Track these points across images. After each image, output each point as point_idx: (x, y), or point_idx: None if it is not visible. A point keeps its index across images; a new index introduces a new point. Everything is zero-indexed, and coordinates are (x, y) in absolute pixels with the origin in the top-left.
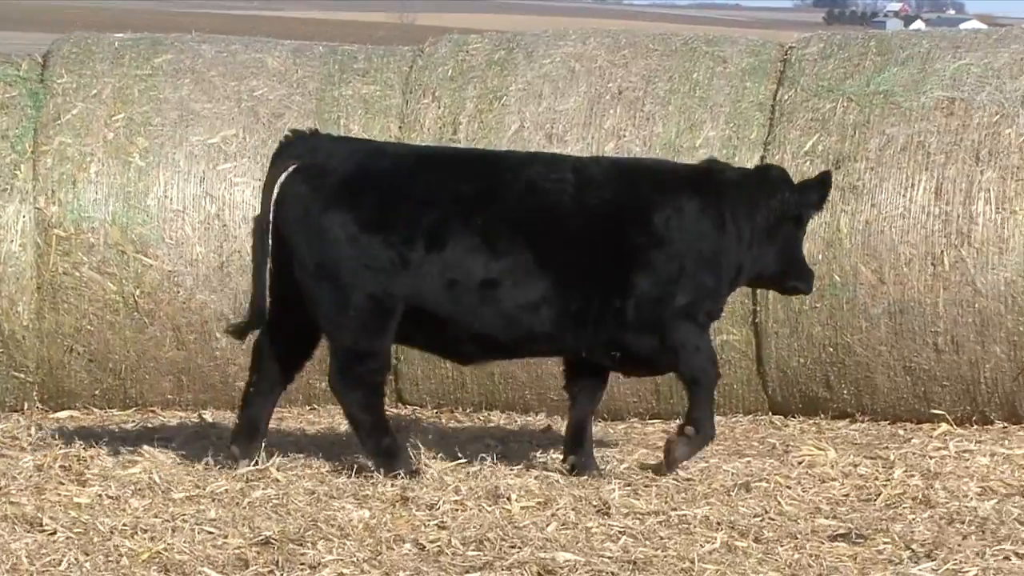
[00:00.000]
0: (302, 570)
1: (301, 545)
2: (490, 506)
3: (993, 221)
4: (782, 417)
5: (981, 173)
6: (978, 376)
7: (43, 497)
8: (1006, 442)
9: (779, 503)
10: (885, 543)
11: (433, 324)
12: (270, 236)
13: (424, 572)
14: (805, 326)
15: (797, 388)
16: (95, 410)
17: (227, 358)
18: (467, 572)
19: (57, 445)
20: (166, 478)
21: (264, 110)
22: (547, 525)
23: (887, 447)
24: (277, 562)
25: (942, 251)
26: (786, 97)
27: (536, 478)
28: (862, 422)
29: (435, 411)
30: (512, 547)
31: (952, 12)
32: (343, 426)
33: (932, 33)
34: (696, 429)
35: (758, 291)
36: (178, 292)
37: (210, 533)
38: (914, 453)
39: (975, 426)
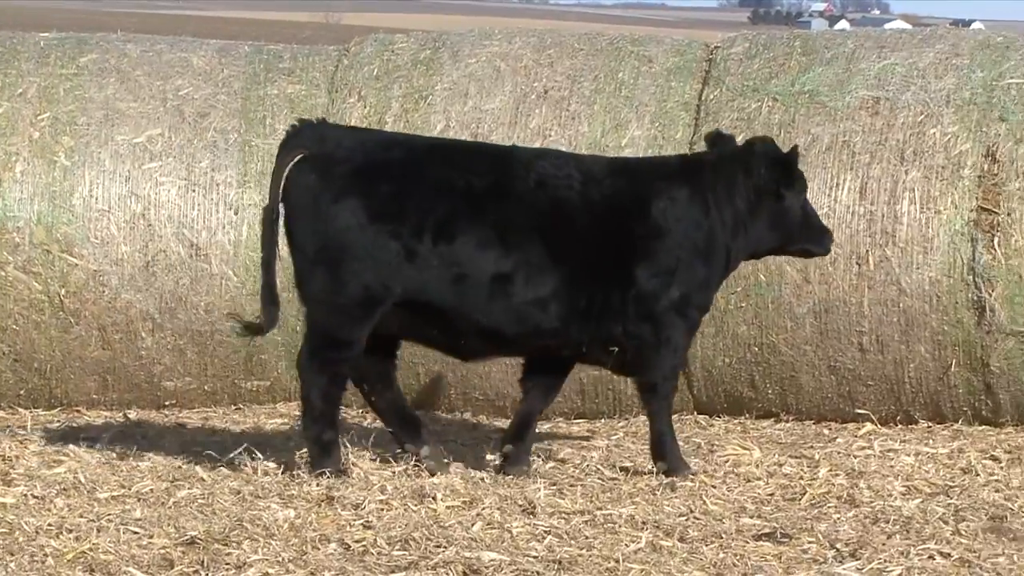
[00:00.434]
0: (227, 570)
1: (226, 545)
2: (415, 506)
3: (918, 221)
4: (707, 416)
5: (906, 173)
6: (902, 375)
7: None
8: (930, 441)
9: (704, 502)
10: (810, 542)
11: (438, 319)
12: (279, 227)
13: (349, 572)
14: (730, 325)
15: (722, 387)
16: (20, 410)
17: (152, 358)
18: (392, 572)
19: None
20: (91, 478)
21: (189, 109)
22: (472, 525)
23: (812, 446)
24: (202, 562)
25: (867, 251)
26: (711, 97)
27: (462, 478)
28: (787, 421)
29: (360, 410)
30: (437, 547)
31: (877, 12)
32: (268, 426)
33: (857, 33)
34: (666, 464)
35: None
36: (103, 291)
37: (135, 533)
38: (839, 452)
39: (899, 425)
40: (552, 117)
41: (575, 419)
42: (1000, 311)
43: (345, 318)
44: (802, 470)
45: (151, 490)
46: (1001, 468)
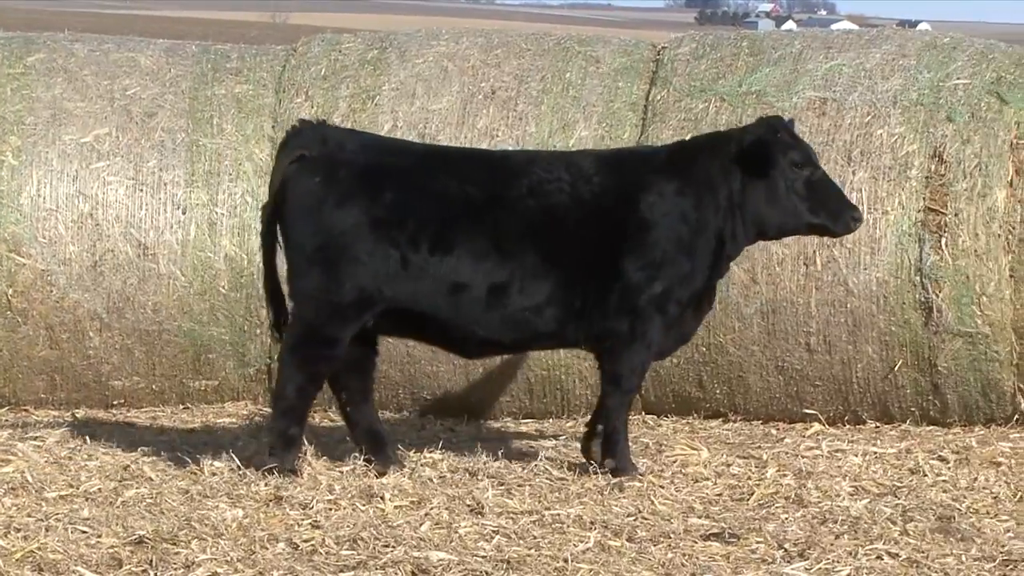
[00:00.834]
0: (176, 569)
1: (175, 544)
2: (364, 505)
3: (865, 221)
4: (655, 417)
5: (853, 173)
6: (850, 376)
7: None
8: (878, 442)
9: (652, 502)
10: (758, 542)
11: (433, 326)
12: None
13: (298, 571)
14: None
15: (670, 388)
16: None
17: (100, 357)
18: (341, 571)
19: None
20: (39, 477)
21: (137, 109)
22: (421, 524)
23: (760, 447)
24: (151, 561)
25: (814, 251)
26: (659, 97)
27: (410, 477)
28: (735, 422)
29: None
30: (386, 546)
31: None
32: (217, 425)
33: (804, 34)
34: (615, 462)
35: None
36: (51, 291)
37: (84, 532)
38: (787, 453)
39: (847, 426)
40: (500, 117)
41: (523, 419)
42: (947, 312)
43: (335, 317)
44: (750, 470)
45: (99, 489)
46: (949, 468)
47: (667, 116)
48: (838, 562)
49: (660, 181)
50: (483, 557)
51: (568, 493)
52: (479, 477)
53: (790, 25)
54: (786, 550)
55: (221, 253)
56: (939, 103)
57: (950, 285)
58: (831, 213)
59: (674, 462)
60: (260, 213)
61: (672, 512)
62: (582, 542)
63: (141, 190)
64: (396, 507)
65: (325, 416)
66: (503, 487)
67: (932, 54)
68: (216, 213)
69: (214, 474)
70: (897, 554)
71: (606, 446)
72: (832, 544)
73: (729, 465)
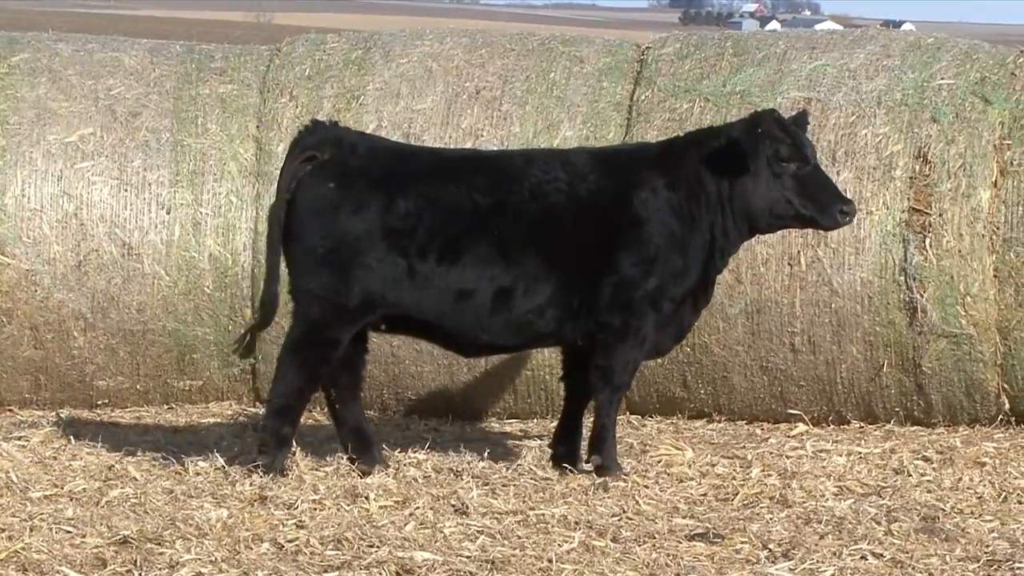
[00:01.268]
0: (160, 569)
1: (159, 544)
2: (348, 505)
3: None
4: (639, 417)
5: (837, 173)
6: (834, 376)
7: None
8: (862, 442)
9: (637, 503)
10: (742, 542)
11: (438, 332)
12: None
13: (282, 571)
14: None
15: (654, 388)
16: None
17: (85, 357)
18: (325, 571)
19: None
20: (24, 477)
21: (121, 109)
22: (405, 524)
23: (744, 447)
24: (135, 561)
25: (799, 251)
26: (643, 97)
27: (394, 477)
28: (719, 422)
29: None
30: (370, 546)
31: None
32: (201, 425)
33: (788, 34)
34: (600, 459)
35: None
36: (36, 291)
37: (68, 532)
38: (771, 453)
39: (832, 426)
40: (484, 117)
41: (508, 419)
42: (932, 312)
43: (340, 318)
44: (735, 470)
45: (84, 489)
46: (933, 469)
47: (651, 116)
48: (822, 562)
49: (652, 177)
50: (468, 557)
51: (553, 493)
52: (464, 477)
53: (774, 25)
54: (770, 550)
55: (206, 253)
56: (923, 103)
57: (934, 285)
58: (820, 206)
59: (659, 462)
60: (269, 214)
61: (657, 512)
62: (567, 542)
63: (126, 190)
64: (381, 507)
65: (309, 416)
66: (488, 487)
67: (916, 54)
68: (201, 213)
69: (199, 474)
70: (881, 554)
71: (593, 442)
72: (816, 544)
73: (714, 465)
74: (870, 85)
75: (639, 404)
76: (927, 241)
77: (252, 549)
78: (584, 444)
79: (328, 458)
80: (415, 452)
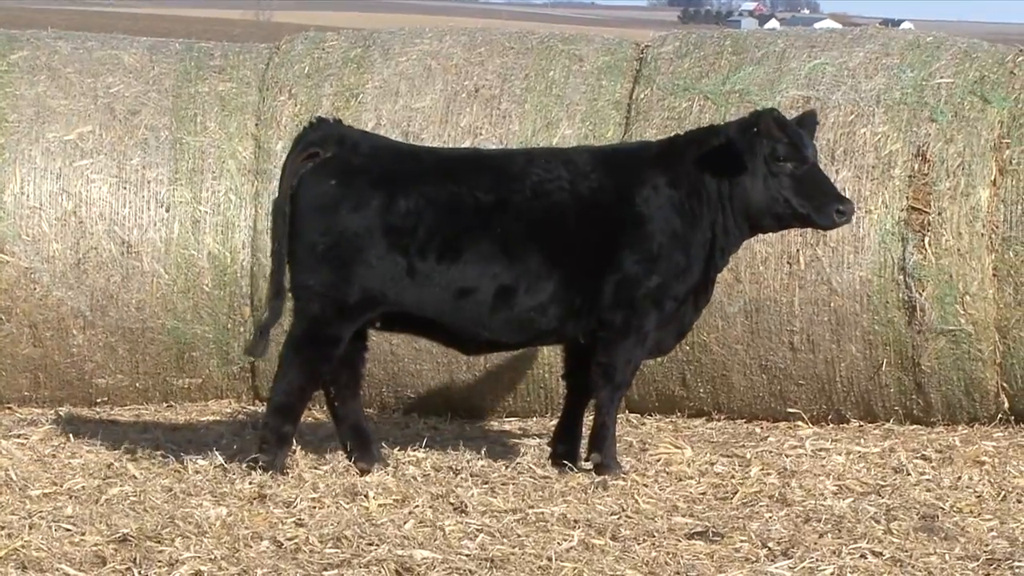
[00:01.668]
0: (160, 567)
1: (159, 542)
2: (348, 504)
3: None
4: (639, 415)
5: (836, 172)
6: (834, 375)
7: None
8: (862, 440)
9: (636, 501)
10: (742, 541)
11: (439, 330)
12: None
13: (282, 569)
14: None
15: (653, 386)
16: None
17: (84, 355)
18: (325, 570)
19: None
20: (23, 475)
21: (120, 107)
22: (404, 523)
23: (743, 445)
24: (135, 559)
25: (798, 250)
26: (642, 96)
27: (393, 476)
28: (718, 420)
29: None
30: (370, 545)
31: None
32: (200, 423)
33: (787, 32)
34: (600, 457)
35: None
36: (35, 289)
37: (68, 530)
38: (770, 451)
39: (831, 424)
40: (483, 115)
41: (507, 417)
42: (931, 310)
43: (341, 316)
44: (734, 469)
45: (83, 487)
46: (932, 467)
47: (651, 115)
48: (822, 561)
49: (654, 175)
50: (467, 555)
51: (552, 491)
52: (463, 475)
53: (773, 24)
54: (770, 549)
55: (204, 251)
56: (922, 102)
57: (933, 284)
58: (816, 206)
59: (658, 461)
60: (273, 209)
61: (656, 511)
62: (566, 540)
63: (124, 188)
64: (380, 505)
65: (309, 414)
66: (487, 485)
67: (915, 53)
68: (199, 211)
69: (198, 472)
70: (881, 553)
71: (593, 440)
72: (816, 543)
73: (713, 464)
74: (869, 84)
75: (638, 402)
76: (926, 240)
77: (251, 547)
78: (584, 442)
79: (327, 456)
80: (414, 450)
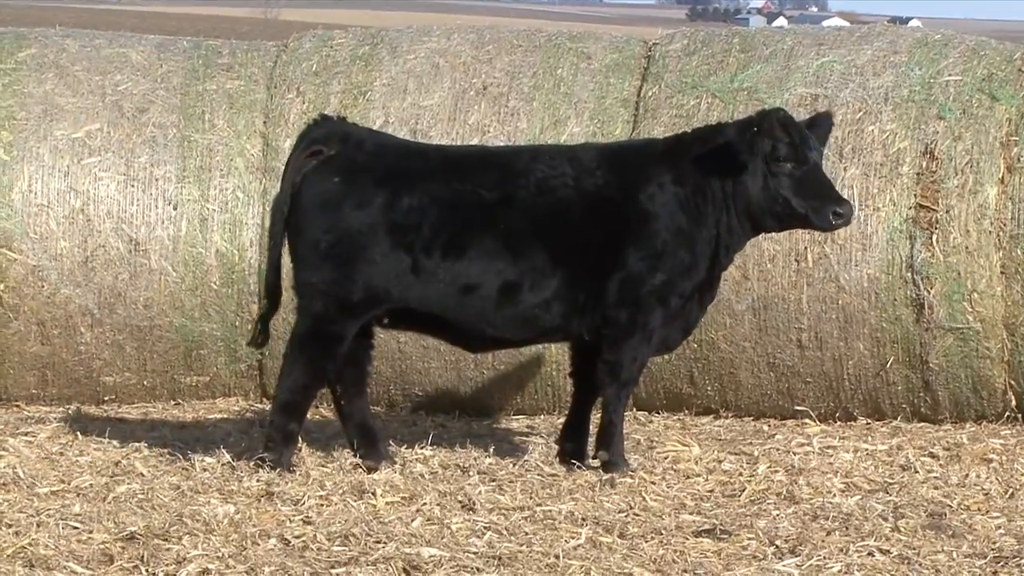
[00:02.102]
0: (167, 565)
1: (166, 540)
2: (355, 501)
3: (856, 218)
4: (646, 413)
5: (844, 170)
6: (841, 372)
7: None
8: (869, 438)
9: (644, 499)
10: (749, 539)
11: (443, 326)
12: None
13: (289, 567)
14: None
15: (661, 384)
16: None
17: (91, 353)
18: (332, 567)
19: None
20: (31, 473)
21: (128, 104)
22: (412, 520)
23: (751, 443)
24: (142, 557)
25: (806, 247)
26: (650, 93)
27: (401, 474)
28: (726, 418)
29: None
30: (377, 542)
31: (815, 9)
32: (208, 421)
33: (795, 30)
34: (608, 455)
35: None
36: (43, 287)
37: (75, 528)
38: (778, 449)
39: (839, 422)
40: (491, 113)
41: (514, 415)
42: (938, 308)
43: (344, 313)
44: (741, 467)
45: (91, 485)
46: (940, 465)
47: (659, 112)
48: (829, 558)
49: (659, 172)
50: (475, 553)
51: (560, 489)
52: (470, 473)
53: (781, 22)
54: (777, 546)
55: (212, 249)
56: (930, 100)
57: (941, 281)
58: (814, 207)
59: (665, 458)
60: (273, 206)
61: (663, 508)
62: (573, 538)
63: (132, 186)
64: (387, 503)
65: (316, 412)
66: (495, 483)
67: (923, 51)
68: (207, 209)
69: (205, 470)
70: (888, 550)
71: (600, 438)
72: (823, 540)
73: (720, 461)
74: (877, 81)
75: (646, 400)
76: (934, 237)
77: (259, 545)
78: (591, 440)
79: (335, 454)
80: (422, 448)
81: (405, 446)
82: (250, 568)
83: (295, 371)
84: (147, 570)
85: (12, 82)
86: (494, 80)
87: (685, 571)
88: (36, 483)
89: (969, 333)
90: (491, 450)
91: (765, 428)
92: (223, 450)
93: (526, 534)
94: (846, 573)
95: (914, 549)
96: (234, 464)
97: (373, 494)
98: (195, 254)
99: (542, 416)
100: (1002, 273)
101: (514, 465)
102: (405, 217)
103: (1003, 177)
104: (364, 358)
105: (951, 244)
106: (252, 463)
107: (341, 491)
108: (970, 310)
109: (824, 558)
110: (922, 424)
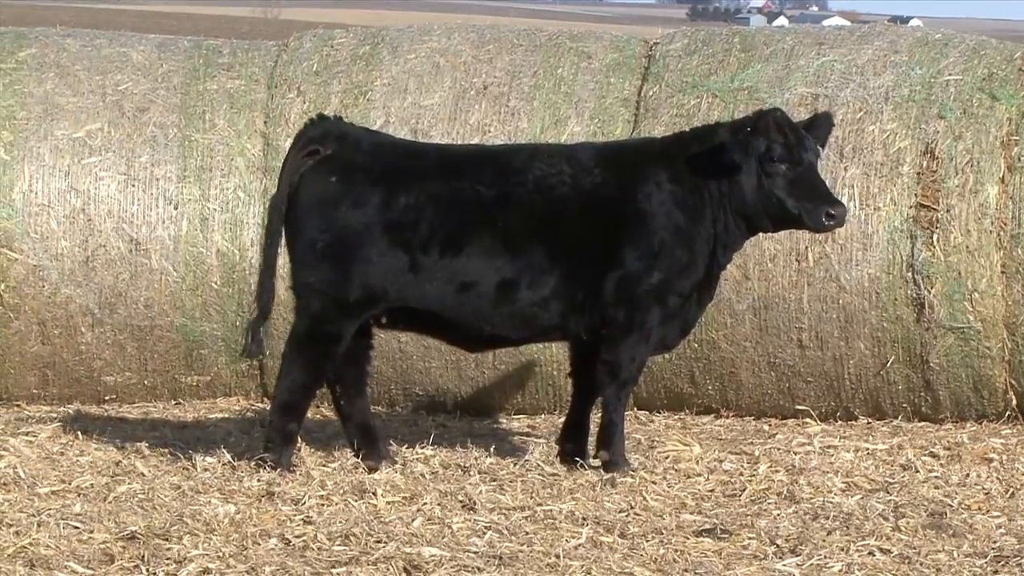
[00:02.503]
0: (168, 565)
1: (167, 540)
2: (356, 501)
3: (857, 217)
4: (647, 412)
5: (845, 170)
6: (842, 372)
7: None
8: (870, 438)
9: (644, 498)
10: (750, 538)
11: (441, 325)
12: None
13: (290, 567)
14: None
15: (662, 384)
16: None
17: (92, 353)
18: (333, 567)
19: None
20: (31, 472)
21: (129, 104)
22: (413, 520)
23: (752, 443)
24: (143, 557)
25: (806, 247)
26: (651, 93)
27: (402, 473)
28: (727, 418)
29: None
30: (378, 542)
31: (815, 9)
32: (208, 421)
33: (796, 30)
34: (608, 455)
35: None
36: (43, 287)
37: (76, 528)
38: (779, 449)
39: (839, 422)
40: (492, 113)
41: (515, 415)
42: (939, 308)
43: (341, 313)
44: (742, 466)
45: (91, 485)
46: (940, 464)
47: (659, 112)
48: (830, 558)
49: (656, 171)
50: (475, 553)
51: (560, 489)
52: (471, 473)
53: (781, 21)
54: (778, 546)
55: (213, 248)
56: (931, 99)
57: (942, 281)
58: (806, 209)
59: (666, 458)
60: (270, 206)
61: (664, 508)
62: (574, 538)
63: (133, 185)
64: (388, 503)
65: (316, 412)
66: (495, 483)
67: (924, 50)
68: (208, 208)
69: (206, 470)
70: (889, 550)
71: (601, 438)
72: (824, 540)
73: (721, 461)
74: (877, 81)
75: (647, 400)
76: (935, 237)
77: (260, 545)
78: (592, 440)
79: (335, 454)
80: (422, 448)
81: (406, 446)
82: (251, 568)
83: (294, 371)
84: (148, 570)
85: (12, 82)
86: (495, 80)
87: (686, 571)
88: (37, 483)
89: (970, 333)
90: (492, 450)
91: (766, 428)
92: (224, 450)
93: (527, 534)
94: (847, 572)
95: (915, 548)
96: (235, 464)
97: (374, 494)
98: (196, 254)
99: (543, 416)
100: (1003, 272)
101: (515, 465)
102: (402, 216)
103: (1003, 177)
104: (363, 358)
105: (952, 244)
106: (253, 463)
107: (342, 491)
108: (971, 310)
109: (825, 557)
110: (923, 423)
